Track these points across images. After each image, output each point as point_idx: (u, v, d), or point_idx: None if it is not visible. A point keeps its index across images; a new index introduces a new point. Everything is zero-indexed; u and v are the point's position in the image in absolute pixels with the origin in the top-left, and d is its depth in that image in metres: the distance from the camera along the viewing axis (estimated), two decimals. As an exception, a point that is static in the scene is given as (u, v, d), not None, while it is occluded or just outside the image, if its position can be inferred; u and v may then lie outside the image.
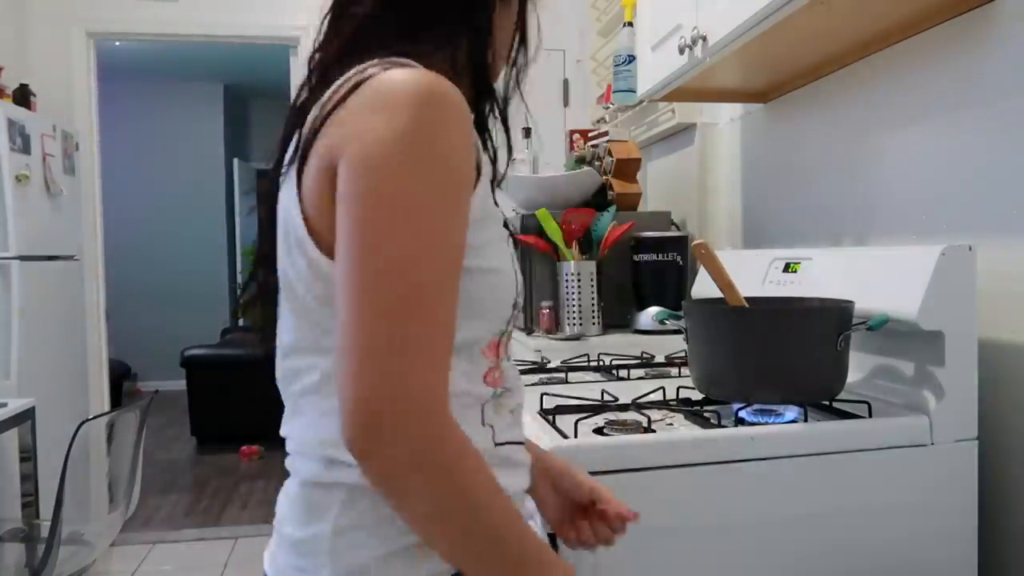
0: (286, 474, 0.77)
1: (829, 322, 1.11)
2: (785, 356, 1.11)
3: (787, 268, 1.45)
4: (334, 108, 0.67)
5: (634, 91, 2.15)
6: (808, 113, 1.71)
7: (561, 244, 2.02)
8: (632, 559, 1.01)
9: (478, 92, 0.77)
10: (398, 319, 0.60)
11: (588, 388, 1.40)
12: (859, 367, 1.26)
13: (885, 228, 1.46)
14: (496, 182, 0.77)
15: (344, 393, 0.60)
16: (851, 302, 1.14)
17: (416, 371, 0.60)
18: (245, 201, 7.36)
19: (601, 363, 1.62)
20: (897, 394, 1.19)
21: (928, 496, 1.10)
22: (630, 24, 2.21)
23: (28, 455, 2.46)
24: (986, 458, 1.16)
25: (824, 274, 1.34)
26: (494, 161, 0.78)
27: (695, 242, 1.17)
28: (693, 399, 1.25)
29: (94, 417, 2.07)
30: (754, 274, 1.51)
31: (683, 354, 1.62)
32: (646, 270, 2.08)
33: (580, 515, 0.90)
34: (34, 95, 3.28)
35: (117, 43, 5.15)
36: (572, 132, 2.64)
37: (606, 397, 1.24)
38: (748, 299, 1.24)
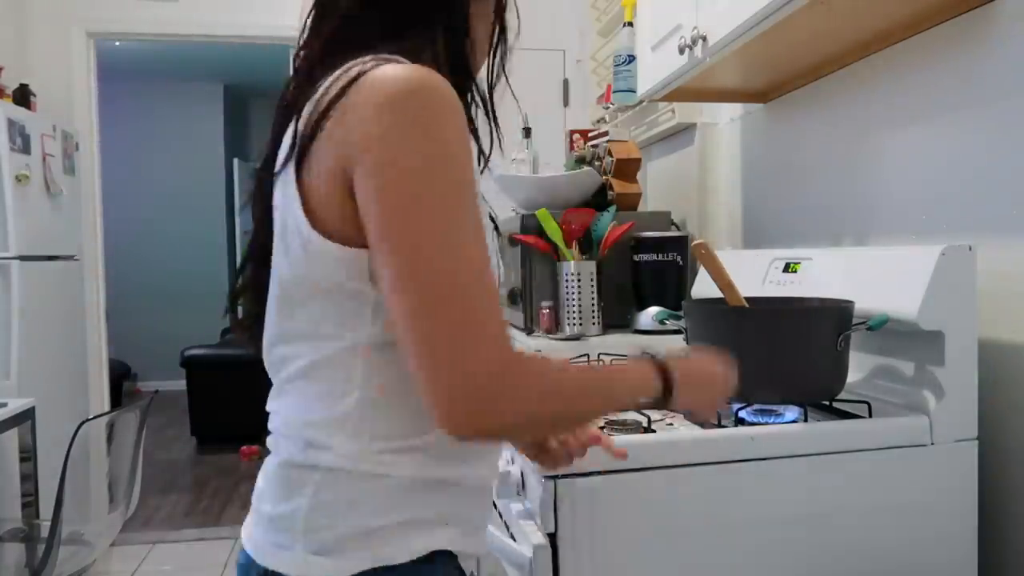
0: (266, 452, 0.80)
1: (829, 322, 1.11)
2: (785, 356, 1.11)
3: (787, 268, 1.45)
4: (330, 106, 0.69)
5: (634, 91, 2.15)
6: (808, 113, 1.71)
7: (561, 244, 2.02)
8: (632, 559, 1.01)
9: (459, 85, 0.78)
10: (465, 301, 0.64)
11: (588, 388, 1.40)
12: (859, 367, 1.26)
13: (885, 228, 1.46)
14: (480, 169, 0.80)
15: (441, 383, 0.64)
16: (851, 302, 1.14)
17: (495, 338, 0.65)
18: (245, 201, 7.36)
19: (601, 363, 1.62)
20: (897, 394, 1.19)
21: (928, 496, 1.10)
22: (630, 24, 2.21)
23: (28, 455, 2.46)
24: (986, 458, 1.16)
25: (824, 274, 1.34)
26: (480, 152, 0.81)
27: (695, 242, 1.17)
28: (693, 399, 1.24)
29: (94, 417, 2.07)
30: (754, 274, 1.51)
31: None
32: (646, 270, 2.08)
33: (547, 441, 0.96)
34: (34, 95, 3.28)
35: (117, 43, 5.16)
36: (572, 132, 2.64)
37: (606, 397, 1.24)
38: (748, 299, 1.24)
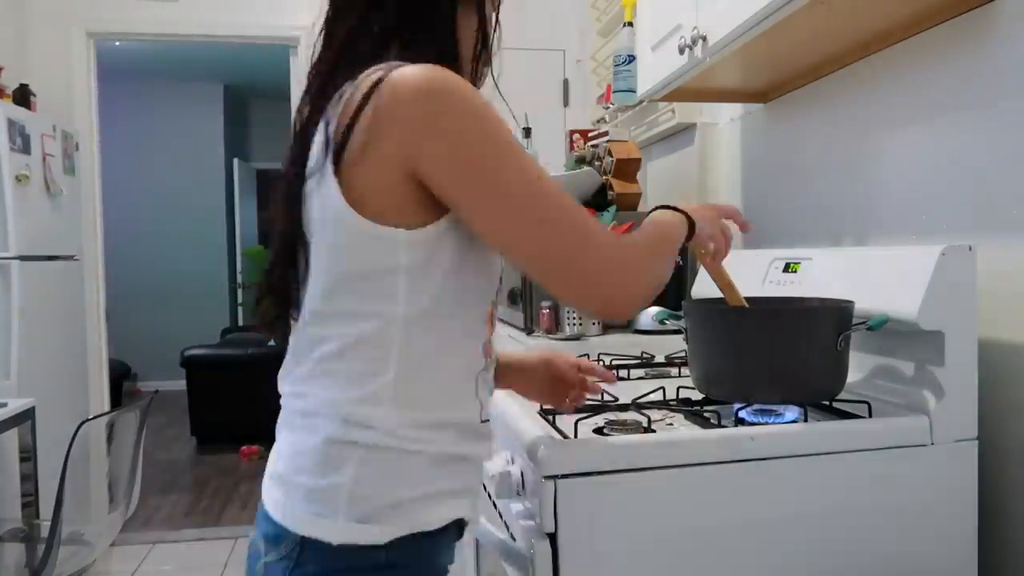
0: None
1: (829, 322, 1.11)
2: (785, 356, 1.10)
3: (787, 268, 1.45)
4: (359, 108, 0.78)
5: (634, 91, 2.15)
6: (808, 113, 1.71)
7: (561, 244, 2.02)
8: (632, 559, 1.01)
9: None
10: (571, 214, 0.79)
11: (588, 388, 1.40)
12: (859, 367, 1.26)
13: (885, 228, 1.46)
14: None
15: (590, 281, 0.80)
16: (851, 302, 1.14)
17: (601, 231, 0.82)
18: (245, 201, 7.36)
19: (601, 363, 1.62)
20: (897, 394, 1.19)
21: (928, 496, 1.10)
22: (630, 24, 2.21)
23: (28, 455, 2.46)
24: (986, 458, 1.16)
25: (824, 274, 1.34)
26: None
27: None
28: (693, 399, 1.24)
29: (94, 417, 2.07)
30: (754, 274, 1.51)
31: (683, 354, 1.62)
32: (646, 270, 2.08)
33: (560, 385, 1.14)
34: (34, 95, 3.28)
35: (117, 43, 5.16)
36: (572, 132, 2.64)
37: (606, 397, 1.24)
38: (748, 299, 1.24)
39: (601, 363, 1.62)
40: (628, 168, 2.27)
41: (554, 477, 0.99)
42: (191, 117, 7.17)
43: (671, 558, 1.02)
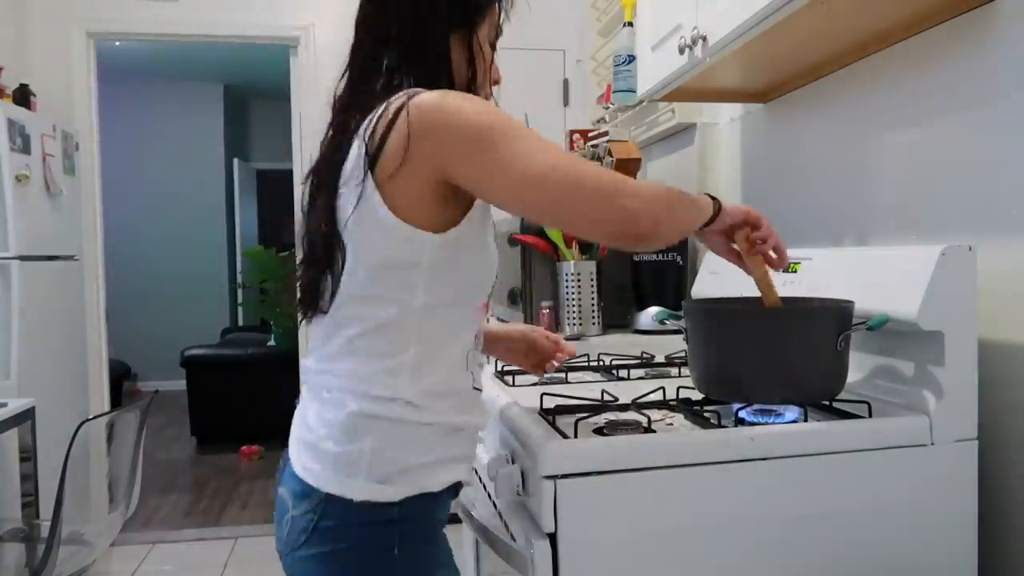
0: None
1: (829, 322, 1.11)
2: (785, 356, 1.11)
3: (787, 268, 1.45)
4: (389, 127, 0.93)
5: (634, 91, 2.15)
6: (808, 113, 1.71)
7: (561, 244, 2.02)
8: (632, 559, 1.01)
9: None
10: (593, 170, 0.91)
11: (588, 388, 1.40)
12: (859, 367, 1.26)
13: (885, 228, 1.46)
14: None
15: (616, 215, 0.90)
16: (851, 302, 1.14)
17: (625, 179, 0.93)
18: (245, 201, 7.36)
19: (601, 363, 1.62)
20: (897, 394, 1.19)
21: (928, 496, 1.10)
22: (630, 24, 2.21)
23: (28, 455, 2.46)
24: (986, 458, 1.16)
25: (824, 274, 1.34)
26: None
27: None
28: (693, 399, 1.24)
29: (94, 417, 2.07)
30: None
31: (683, 354, 1.62)
32: (646, 270, 2.08)
33: (534, 353, 1.32)
34: (34, 95, 3.27)
35: (117, 43, 5.16)
36: (572, 132, 2.64)
37: (606, 397, 1.24)
38: (748, 299, 1.24)
39: (600, 363, 1.62)
40: (628, 168, 2.27)
41: (554, 477, 0.99)
42: (191, 117, 7.16)
43: (671, 558, 1.02)
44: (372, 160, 0.94)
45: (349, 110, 1.01)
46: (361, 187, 0.94)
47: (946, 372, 1.10)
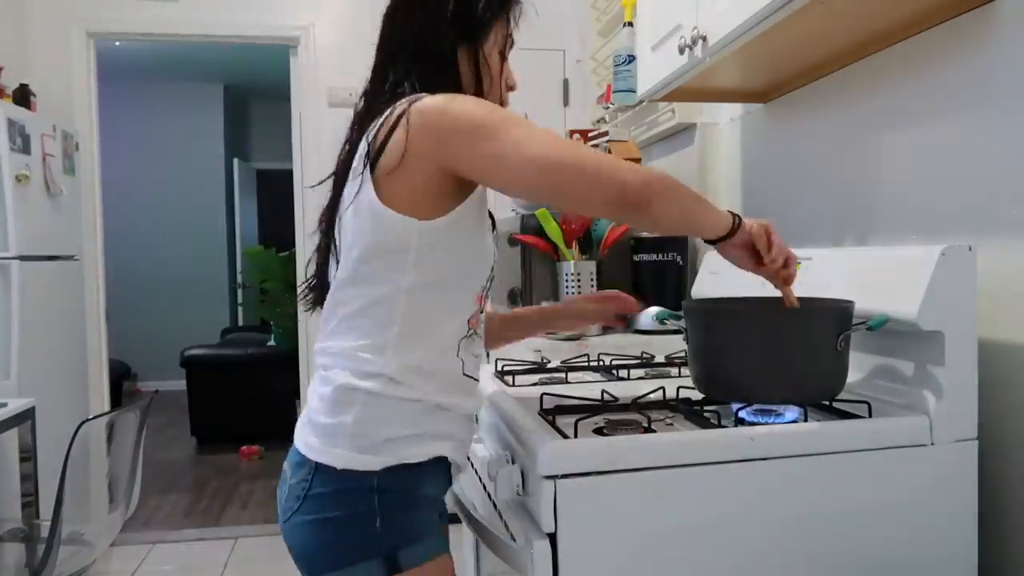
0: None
1: (829, 322, 1.11)
2: (785, 356, 1.11)
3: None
4: (393, 127, 1.00)
5: (634, 91, 2.15)
6: (808, 113, 1.71)
7: (561, 244, 2.02)
8: (632, 559, 1.01)
9: None
10: (584, 156, 0.96)
11: (588, 388, 1.40)
12: (859, 367, 1.26)
13: (885, 228, 1.46)
14: None
15: (609, 191, 0.94)
16: (851, 302, 1.14)
17: (612, 159, 0.97)
18: (245, 201, 7.36)
19: (601, 363, 1.62)
20: (897, 394, 1.19)
21: (928, 496, 1.10)
22: (630, 24, 2.21)
23: (28, 455, 2.46)
24: (986, 458, 1.16)
25: (824, 274, 1.34)
26: None
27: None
28: (693, 399, 1.24)
29: (94, 417, 2.07)
30: (754, 274, 1.51)
31: (683, 354, 1.62)
32: (646, 270, 2.08)
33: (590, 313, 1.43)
34: (34, 95, 3.27)
35: (117, 43, 5.16)
36: (572, 132, 2.64)
37: (606, 397, 1.24)
38: (748, 299, 1.25)
39: (600, 363, 1.62)
40: (628, 168, 2.26)
41: (554, 477, 0.99)
42: (191, 117, 7.16)
43: (671, 558, 1.02)
44: (373, 159, 1.01)
45: (363, 121, 1.10)
46: (359, 180, 1.03)
47: (946, 372, 1.10)
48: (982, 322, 1.18)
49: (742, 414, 1.13)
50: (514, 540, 1.05)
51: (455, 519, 1.25)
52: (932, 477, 1.10)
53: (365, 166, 1.03)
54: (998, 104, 1.18)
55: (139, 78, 6.82)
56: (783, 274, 1.12)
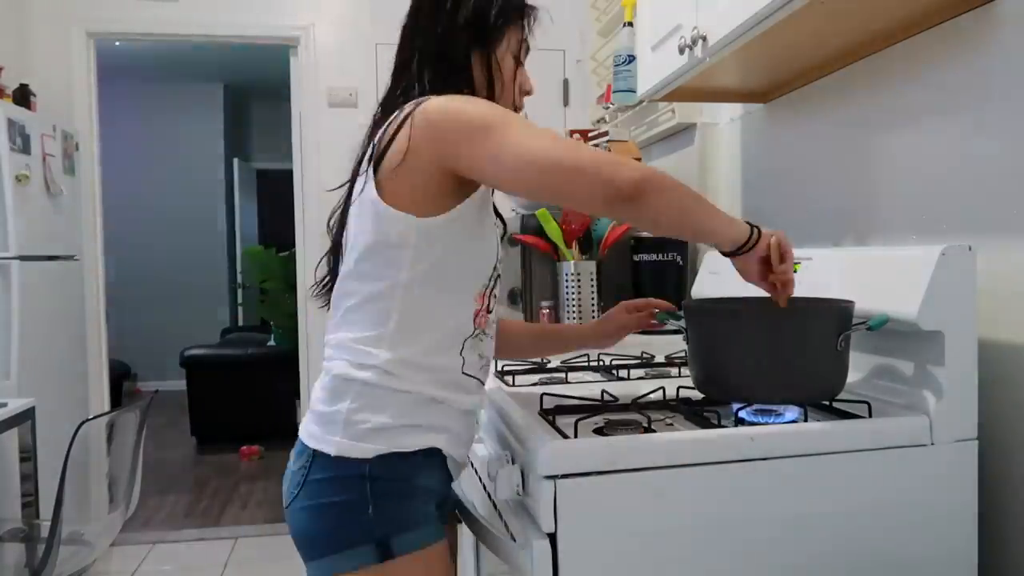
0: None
1: (829, 322, 1.11)
2: (785, 356, 1.10)
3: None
4: (399, 127, 1.03)
5: (634, 91, 2.15)
6: (808, 113, 1.71)
7: (561, 244, 2.03)
8: (632, 559, 1.01)
9: None
10: (581, 154, 0.97)
11: (588, 388, 1.40)
12: (859, 367, 1.26)
13: (885, 228, 1.46)
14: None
15: (604, 186, 0.95)
16: (851, 302, 1.14)
17: (610, 155, 0.99)
18: (245, 201, 7.36)
19: (601, 363, 1.62)
20: (897, 394, 1.19)
21: (928, 496, 1.10)
22: (630, 24, 2.21)
23: (28, 455, 2.46)
24: (986, 458, 1.16)
25: (824, 274, 1.34)
26: None
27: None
28: (693, 399, 1.24)
29: (94, 417, 2.07)
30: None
31: (683, 354, 1.62)
32: (646, 270, 2.08)
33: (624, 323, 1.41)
34: (34, 95, 3.27)
35: (117, 43, 5.15)
36: (572, 132, 2.64)
37: (606, 397, 1.24)
38: (748, 299, 1.24)
39: (600, 363, 1.62)
40: (628, 168, 2.26)
41: (554, 477, 0.99)
42: (191, 117, 7.16)
43: (671, 558, 1.02)
44: (377, 158, 1.05)
45: (377, 125, 1.13)
46: (364, 178, 1.06)
47: (946, 372, 1.10)
48: (982, 322, 1.18)
49: (742, 414, 1.13)
50: (514, 540, 1.05)
51: (455, 519, 1.25)
52: (932, 477, 1.10)
53: (369, 165, 1.06)
54: (998, 104, 1.18)
55: (139, 78, 6.82)
56: (789, 288, 1.10)
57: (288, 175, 3.89)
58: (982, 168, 1.22)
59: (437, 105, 1.02)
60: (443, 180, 1.03)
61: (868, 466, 1.08)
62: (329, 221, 1.20)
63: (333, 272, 1.18)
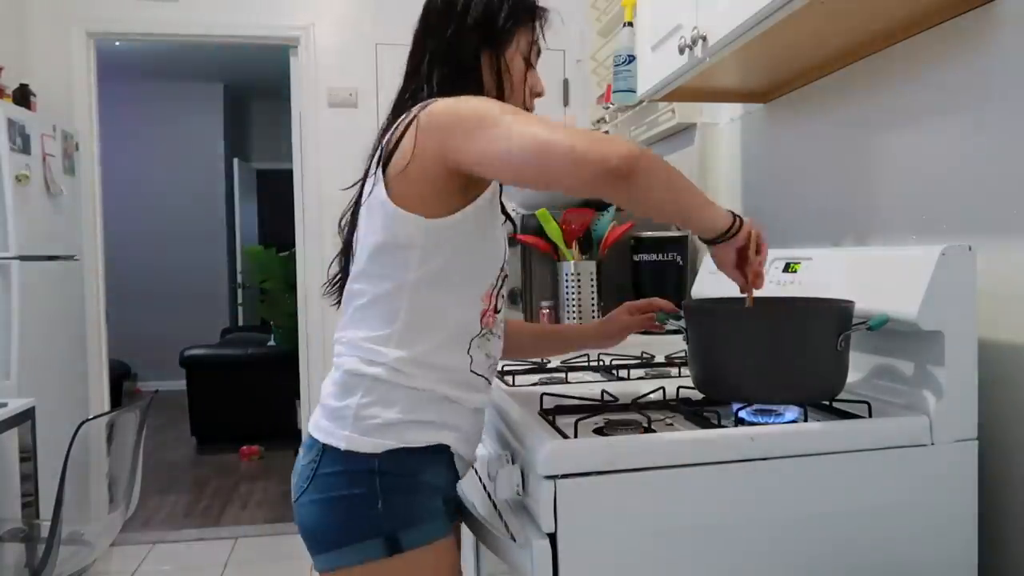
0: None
1: (829, 322, 1.11)
2: (785, 356, 1.10)
3: (787, 268, 1.45)
4: (406, 128, 1.05)
5: (634, 91, 2.15)
6: (808, 113, 1.71)
7: (561, 244, 2.03)
8: (632, 559, 1.01)
9: None
10: (573, 137, 0.95)
11: (588, 388, 1.40)
12: (859, 367, 1.26)
13: (885, 228, 1.46)
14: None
15: (593, 165, 0.93)
16: (851, 302, 1.14)
17: (600, 135, 0.98)
18: (245, 201, 7.36)
19: (601, 363, 1.62)
20: (897, 394, 1.19)
21: (928, 496, 1.10)
22: (630, 24, 2.21)
23: (28, 455, 2.46)
24: (986, 458, 1.16)
25: (824, 274, 1.34)
26: None
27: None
28: (693, 399, 1.24)
29: (94, 417, 2.07)
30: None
31: (683, 354, 1.62)
32: (646, 270, 2.08)
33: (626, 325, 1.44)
34: (34, 95, 3.27)
35: (117, 43, 5.15)
36: (572, 132, 2.64)
37: (606, 397, 1.24)
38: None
39: (600, 363, 1.62)
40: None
41: (554, 477, 0.99)
42: (191, 117, 7.16)
43: (671, 558, 1.02)
44: (385, 160, 1.07)
45: (387, 127, 1.14)
46: (373, 180, 1.08)
47: (946, 372, 1.10)
48: (982, 322, 1.18)
49: (742, 414, 1.13)
50: (514, 540, 1.05)
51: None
52: (932, 477, 1.10)
53: (378, 166, 1.08)
54: (998, 104, 1.18)
55: (139, 78, 6.82)
56: (760, 282, 1.14)
57: (288, 175, 3.89)
58: (982, 168, 1.22)
59: (442, 105, 1.04)
60: (449, 179, 1.04)
61: (868, 466, 1.08)
62: (340, 221, 1.22)
63: (344, 271, 1.20)
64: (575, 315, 1.98)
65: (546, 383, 1.48)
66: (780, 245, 1.80)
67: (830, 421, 1.11)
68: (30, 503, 2.47)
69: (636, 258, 2.09)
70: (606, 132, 2.46)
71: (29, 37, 3.52)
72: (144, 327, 6.84)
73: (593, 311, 1.99)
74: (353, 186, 1.19)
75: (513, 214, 2.24)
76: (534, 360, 1.67)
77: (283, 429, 4.87)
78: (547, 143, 0.96)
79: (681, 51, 1.53)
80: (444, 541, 1.09)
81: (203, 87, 7.14)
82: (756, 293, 1.15)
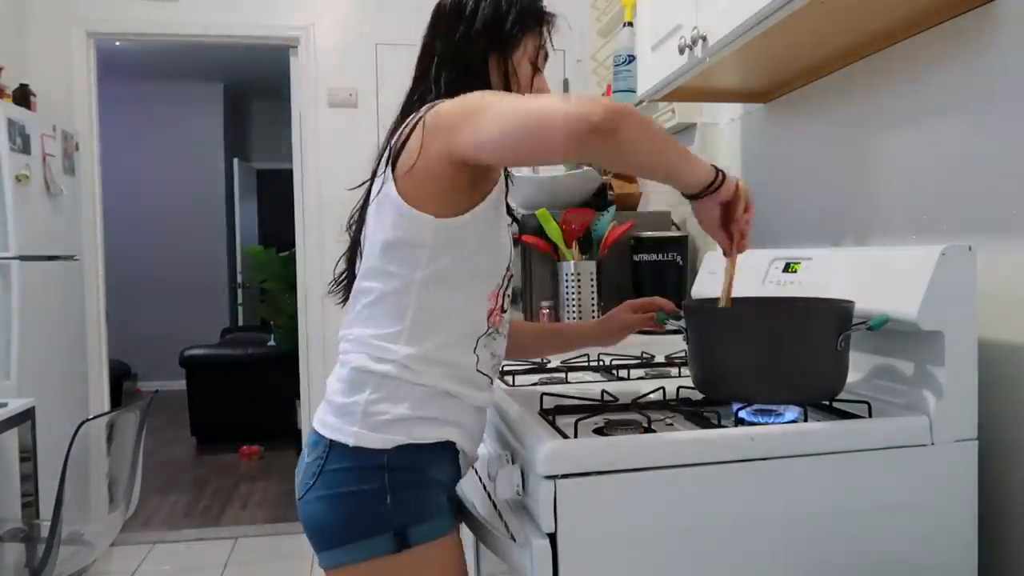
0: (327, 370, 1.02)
1: (829, 322, 1.11)
2: (785, 356, 1.10)
3: (787, 268, 1.45)
4: (410, 134, 1.07)
5: (634, 91, 2.15)
6: (808, 113, 1.71)
7: (561, 244, 2.03)
8: (632, 559, 1.01)
9: None
10: (555, 106, 0.95)
11: (588, 388, 1.40)
12: (859, 367, 1.26)
13: (885, 228, 1.46)
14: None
15: (582, 130, 0.92)
16: (851, 302, 1.14)
17: (582, 98, 0.97)
18: (245, 201, 7.36)
19: (601, 363, 1.62)
20: (897, 394, 1.19)
21: (928, 496, 1.10)
22: (630, 24, 2.21)
23: (28, 455, 2.46)
24: (986, 458, 1.16)
25: (824, 274, 1.34)
26: (507, 175, 1.19)
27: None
28: (693, 399, 1.24)
29: (94, 417, 2.07)
30: (754, 274, 1.51)
31: (683, 354, 1.62)
32: (646, 270, 2.08)
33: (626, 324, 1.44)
34: (34, 95, 3.27)
35: (117, 43, 5.15)
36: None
37: (606, 397, 1.24)
38: (748, 299, 1.24)
39: (600, 363, 1.62)
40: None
41: (554, 477, 0.99)
42: (191, 117, 7.16)
43: (671, 558, 1.02)
44: (394, 159, 1.08)
45: (396, 128, 1.16)
46: (383, 179, 1.10)
47: (946, 372, 1.10)
48: (982, 322, 1.18)
49: (742, 414, 1.13)
50: (514, 540, 1.05)
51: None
52: (932, 477, 1.10)
53: (387, 166, 1.10)
54: (998, 104, 1.18)
55: (139, 78, 6.82)
56: (746, 242, 1.14)
57: (288, 175, 3.89)
58: (982, 168, 1.22)
59: (447, 107, 1.05)
60: (455, 177, 1.05)
61: (868, 466, 1.08)
62: (349, 220, 1.23)
63: (350, 269, 1.21)
64: (575, 315, 1.98)
65: (546, 383, 1.48)
66: (780, 245, 1.80)
67: (830, 421, 1.11)
68: (30, 503, 2.47)
69: (636, 258, 2.09)
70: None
71: (29, 37, 3.52)
72: (144, 327, 6.84)
73: (593, 311, 1.99)
74: (360, 186, 1.20)
75: (516, 214, 2.24)
76: (534, 360, 1.67)
77: (283, 429, 4.87)
78: (528, 109, 0.96)
79: (681, 51, 1.53)
80: (450, 537, 1.09)
81: (203, 87, 7.14)
82: (752, 293, 1.15)
